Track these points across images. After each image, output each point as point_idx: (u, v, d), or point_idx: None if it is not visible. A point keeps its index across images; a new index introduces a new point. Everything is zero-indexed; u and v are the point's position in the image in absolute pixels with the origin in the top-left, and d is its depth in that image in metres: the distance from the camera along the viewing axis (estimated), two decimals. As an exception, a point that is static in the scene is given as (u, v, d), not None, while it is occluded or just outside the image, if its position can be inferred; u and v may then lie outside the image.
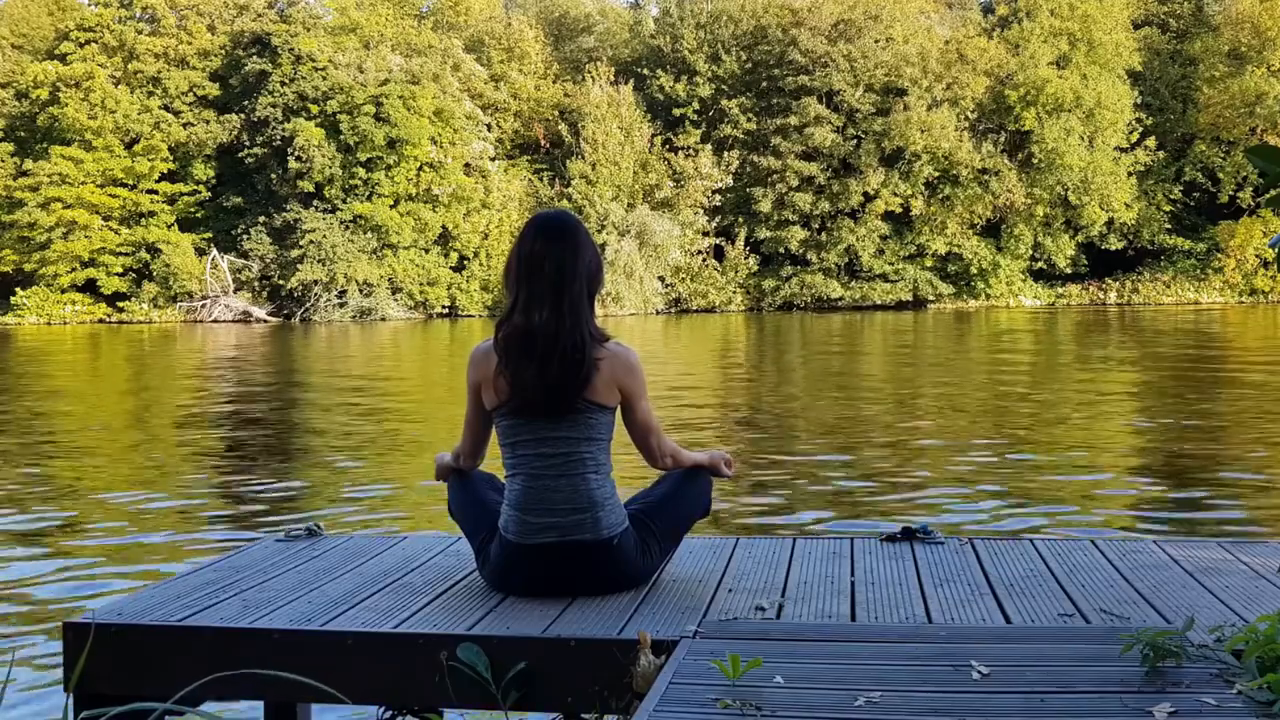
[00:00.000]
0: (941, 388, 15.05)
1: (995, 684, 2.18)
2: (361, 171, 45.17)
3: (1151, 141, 48.38)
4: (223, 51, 48.81)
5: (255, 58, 47.23)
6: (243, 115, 47.17)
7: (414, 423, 12.29)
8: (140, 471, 9.11)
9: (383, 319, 44.09)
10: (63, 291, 46.45)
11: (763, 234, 47.84)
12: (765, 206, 47.38)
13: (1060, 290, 48.89)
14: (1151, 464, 8.64)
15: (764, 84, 49.47)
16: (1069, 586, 3.01)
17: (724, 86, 49.44)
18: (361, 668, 2.66)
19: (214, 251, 46.03)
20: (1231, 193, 48.13)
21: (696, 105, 49.28)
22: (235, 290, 45.80)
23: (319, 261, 44.12)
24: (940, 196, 47.68)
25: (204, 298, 45.36)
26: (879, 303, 47.39)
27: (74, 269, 46.04)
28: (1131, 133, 48.52)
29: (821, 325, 34.22)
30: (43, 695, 3.94)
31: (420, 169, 45.64)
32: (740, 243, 47.69)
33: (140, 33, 49.29)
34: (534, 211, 33.92)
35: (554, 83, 51.53)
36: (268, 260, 45.80)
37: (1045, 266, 48.97)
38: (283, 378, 19.22)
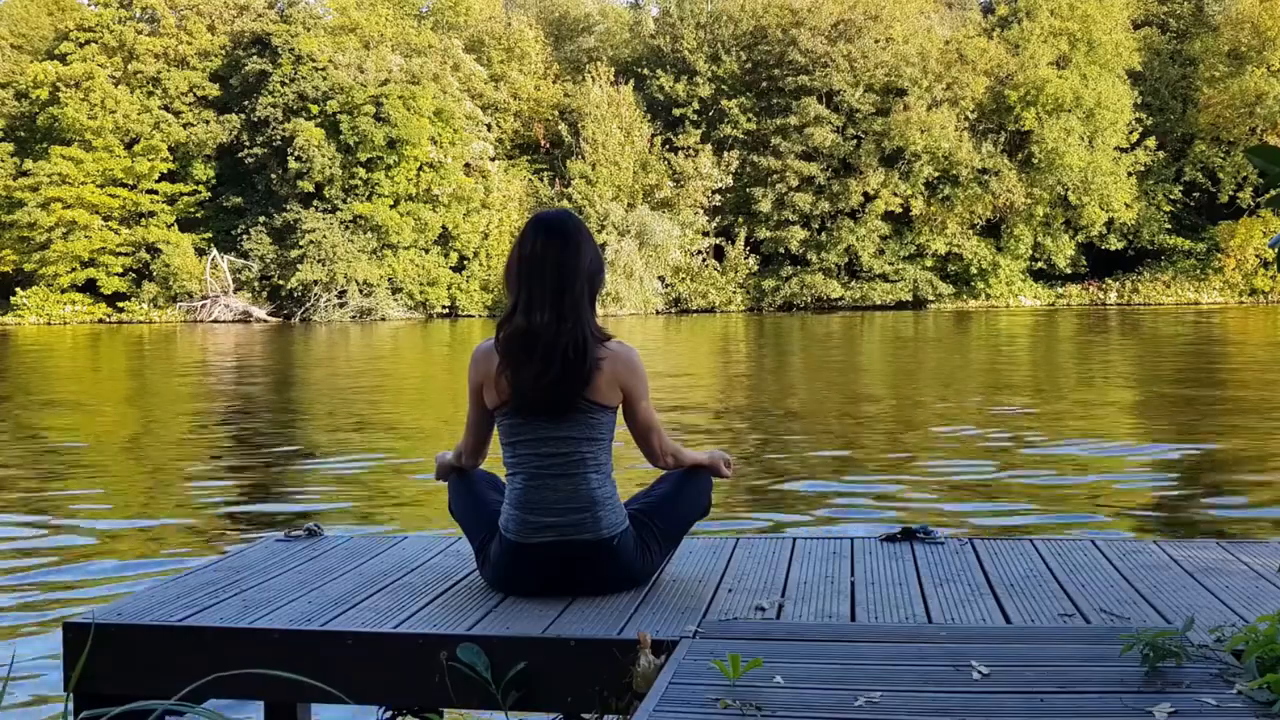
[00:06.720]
0: (941, 387, 15.05)
1: (995, 684, 2.18)
2: (361, 171, 45.18)
3: (1151, 141, 48.39)
4: (223, 52, 48.83)
5: (255, 58, 47.25)
6: (243, 115, 47.19)
7: (414, 422, 12.29)
8: (140, 471, 9.11)
9: (383, 319, 44.09)
10: (63, 291, 46.48)
11: (763, 234, 47.85)
12: (765, 206, 47.38)
13: (1060, 290, 48.90)
14: (1151, 464, 8.63)
15: (764, 84, 49.47)
16: (1069, 586, 3.01)
17: (724, 86, 49.42)
18: (361, 668, 2.66)
19: (214, 251, 46.05)
20: (1231, 193, 48.15)
21: (696, 105, 49.27)
22: (235, 290, 45.81)
23: (319, 261, 44.15)
24: (940, 196, 47.67)
25: (204, 298, 45.37)
26: (879, 303, 47.38)
27: (74, 269, 46.07)
28: (1131, 133, 48.52)
29: (821, 325, 34.21)
30: (43, 695, 3.94)
31: (420, 169, 45.65)
32: (740, 243, 47.70)
33: (140, 33, 49.30)
34: (534, 211, 33.82)
35: (554, 83, 51.54)
36: (268, 260, 45.81)
37: (1045, 266, 48.98)
38: (283, 377, 19.22)
